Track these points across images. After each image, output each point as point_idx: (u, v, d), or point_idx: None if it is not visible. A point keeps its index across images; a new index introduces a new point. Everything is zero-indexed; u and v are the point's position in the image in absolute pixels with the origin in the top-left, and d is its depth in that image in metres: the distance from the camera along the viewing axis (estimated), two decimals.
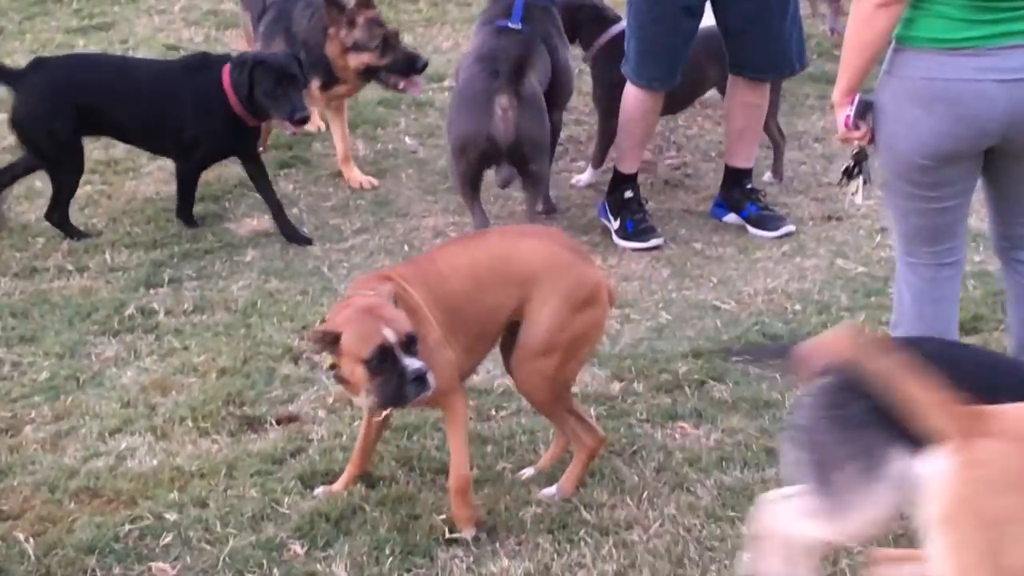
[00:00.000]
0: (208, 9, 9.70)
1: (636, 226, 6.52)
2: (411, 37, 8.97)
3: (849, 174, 4.66)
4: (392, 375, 4.10)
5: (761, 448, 4.84)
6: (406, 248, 6.49)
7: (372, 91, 7.93)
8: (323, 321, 4.17)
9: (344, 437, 4.95)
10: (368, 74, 6.93)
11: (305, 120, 6.53)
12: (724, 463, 4.77)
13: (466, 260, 4.47)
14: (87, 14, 9.56)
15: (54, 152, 6.52)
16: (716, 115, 7.76)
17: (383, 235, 6.61)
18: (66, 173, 6.58)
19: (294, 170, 7.28)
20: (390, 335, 4.08)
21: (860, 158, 4.60)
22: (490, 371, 5.38)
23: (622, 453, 4.84)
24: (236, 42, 9.01)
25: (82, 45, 8.99)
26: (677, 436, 4.96)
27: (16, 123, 6.54)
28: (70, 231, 6.54)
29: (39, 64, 6.65)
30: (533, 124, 6.30)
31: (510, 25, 6.68)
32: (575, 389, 5.18)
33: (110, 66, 6.78)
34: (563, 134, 7.48)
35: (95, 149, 7.47)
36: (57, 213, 6.58)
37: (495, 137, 6.23)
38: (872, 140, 4.49)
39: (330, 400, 5.21)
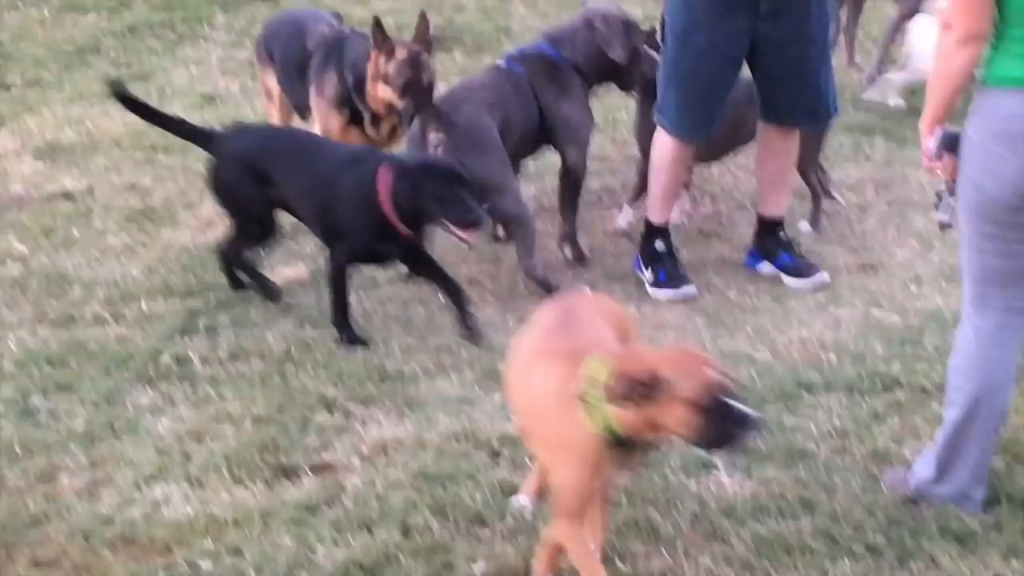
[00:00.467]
0: (244, 59, 9.75)
1: (668, 274, 6.52)
2: (446, 87, 9.00)
3: (937, 206, 4.72)
4: (724, 418, 3.91)
5: (796, 498, 4.83)
6: (438, 298, 6.50)
7: None
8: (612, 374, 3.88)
9: (378, 485, 4.96)
10: (391, 111, 6.80)
11: (477, 224, 5.94)
12: (759, 513, 4.75)
13: None
14: (124, 64, 9.64)
15: (243, 217, 6.40)
16: (751, 164, 7.75)
17: (417, 284, 6.62)
18: (253, 238, 6.47)
19: None
20: (718, 377, 3.94)
21: (948, 190, 4.62)
22: None
23: (656, 503, 4.83)
24: None
25: None
26: (712, 486, 4.95)
27: (212, 186, 6.46)
28: (232, 277, 6.57)
29: (237, 130, 6.59)
30: (473, 157, 6.31)
31: (498, 62, 6.86)
32: None
33: (293, 142, 6.48)
34: (597, 183, 7.50)
35: (131, 199, 7.53)
36: (228, 251, 6.49)
37: None
38: (954, 174, 4.52)
39: (364, 448, 5.22)
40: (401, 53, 6.68)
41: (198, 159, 7.86)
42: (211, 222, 7.18)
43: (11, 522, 4.80)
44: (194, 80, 9.34)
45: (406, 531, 4.68)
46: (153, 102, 8.81)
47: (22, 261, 6.84)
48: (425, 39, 6.79)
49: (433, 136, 6.34)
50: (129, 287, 6.58)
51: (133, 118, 8.47)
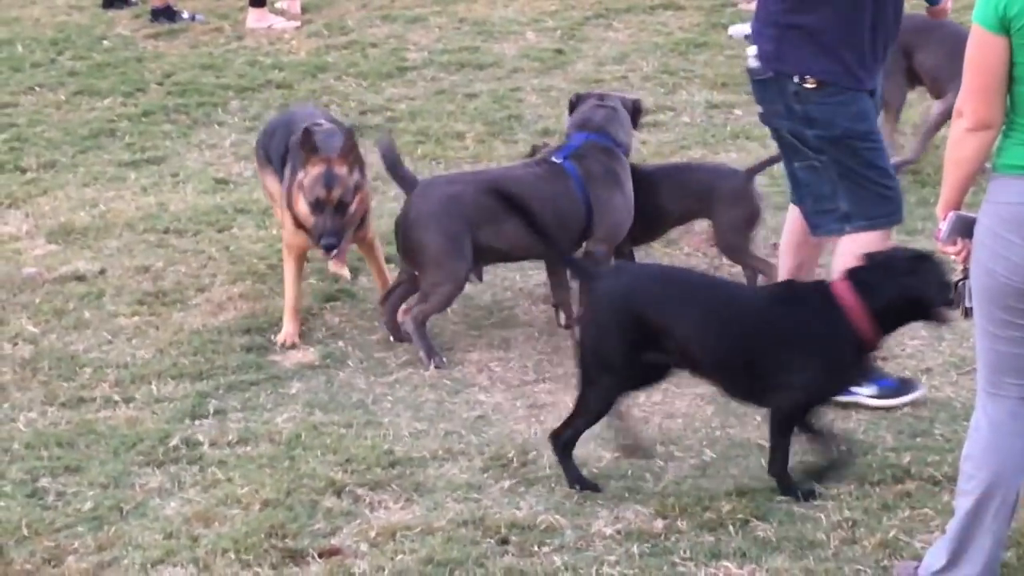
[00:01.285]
0: None
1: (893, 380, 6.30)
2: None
3: (955, 289, 4.73)
4: None
5: None
6: (448, 382, 6.50)
7: None
8: None
9: (386, 571, 4.94)
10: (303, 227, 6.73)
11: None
12: None
13: None
14: (139, 148, 9.69)
15: (605, 380, 5.52)
16: (761, 253, 7.78)
17: (427, 369, 6.61)
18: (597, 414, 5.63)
19: (339, 303, 7.32)
20: None
21: (963, 276, 4.63)
22: (533, 507, 5.38)
23: None
24: None
25: (133, 178, 9.11)
26: (721, 575, 4.93)
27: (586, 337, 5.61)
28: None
29: (615, 270, 6.21)
30: (419, 235, 6.68)
31: (553, 159, 6.84)
32: (619, 526, 5.18)
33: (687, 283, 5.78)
34: None
35: (143, 281, 7.56)
36: (565, 437, 5.61)
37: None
38: (967, 259, 4.54)
39: (372, 533, 5.21)
40: (316, 168, 6.63)
41: (211, 243, 7.93)
42: (222, 305, 7.20)
43: None
44: (208, 164, 9.39)
45: None
46: (166, 186, 8.95)
47: (33, 342, 6.86)
48: (349, 152, 6.71)
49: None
50: (139, 369, 6.59)
51: (146, 201, 8.60)
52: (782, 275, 6.43)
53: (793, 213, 6.42)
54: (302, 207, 6.67)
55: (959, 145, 4.48)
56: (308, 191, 6.60)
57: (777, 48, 5.97)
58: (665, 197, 7.15)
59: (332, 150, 6.71)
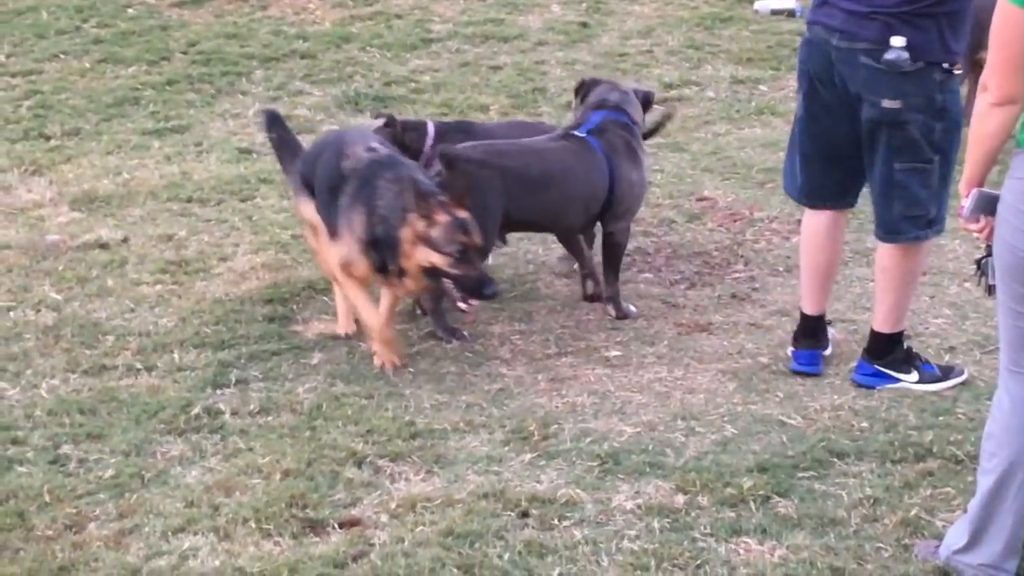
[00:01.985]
0: (283, 114, 9.79)
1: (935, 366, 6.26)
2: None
3: (979, 266, 4.69)
4: None
5: (826, 566, 4.81)
6: (469, 355, 6.50)
7: None
8: None
9: (406, 542, 4.95)
10: (432, 274, 6.19)
11: None
12: None
13: None
14: (163, 116, 9.70)
15: None
16: (784, 229, 7.76)
17: (449, 341, 6.61)
18: None
19: None
20: None
21: (986, 254, 4.61)
22: (553, 480, 5.38)
23: (685, 567, 4.82)
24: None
25: (157, 147, 9.12)
26: (741, 551, 4.93)
27: None
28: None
29: None
30: None
31: (575, 133, 6.84)
32: (639, 501, 5.18)
33: None
34: (632, 245, 7.49)
35: (166, 250, 7.56)
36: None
37: None
38: (989, 236, 4.52)
39: (393, 505, 5.21)
40: (445, 216, 6.11)
41: (234, 212, 7.93)
42: (245, 275, 7.21)
43: (39, 570, 4.81)
44: (231, 134, 9.39)
45: None
46: (190, 155, 8.95)
47: (56, 309, 6.87)
48: (464, 193, 6.24)
49: None
50: (162, 337, 6.59)
51: (169, 169, 8.61)
52: (805, 277, 6.35)
53: (816, 217, 6.27)
54: (433, 258, 6.11)
55: (983, 120, 4.46)
56: (446, 241, 6.09)
57: (927, 37, 5.73)
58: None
59: (425, 185, 6.27)
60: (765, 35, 11.09)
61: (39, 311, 6.85)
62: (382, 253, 6.23)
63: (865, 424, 5.84)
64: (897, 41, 5.71)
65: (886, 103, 5.80)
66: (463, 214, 6.15)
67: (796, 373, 6.26)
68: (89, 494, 5.31)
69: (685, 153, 8.96)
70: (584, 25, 11.33)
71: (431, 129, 7.16)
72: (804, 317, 6.34)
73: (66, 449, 5.64)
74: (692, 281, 7.26)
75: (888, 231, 6.06)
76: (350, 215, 6.33)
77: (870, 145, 5.95)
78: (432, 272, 6.16)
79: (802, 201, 6.30)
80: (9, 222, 7.95)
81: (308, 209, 6.72)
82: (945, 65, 5.77)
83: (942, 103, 5.81)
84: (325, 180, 6.52)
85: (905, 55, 5.72)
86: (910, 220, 5.99)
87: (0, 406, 5.97)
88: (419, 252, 6.12)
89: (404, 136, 7.10)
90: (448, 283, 6.19)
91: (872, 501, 5.24)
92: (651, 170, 8.52)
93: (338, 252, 6.37)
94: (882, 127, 5.87)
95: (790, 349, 6.37)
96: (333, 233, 6.43)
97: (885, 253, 6.12)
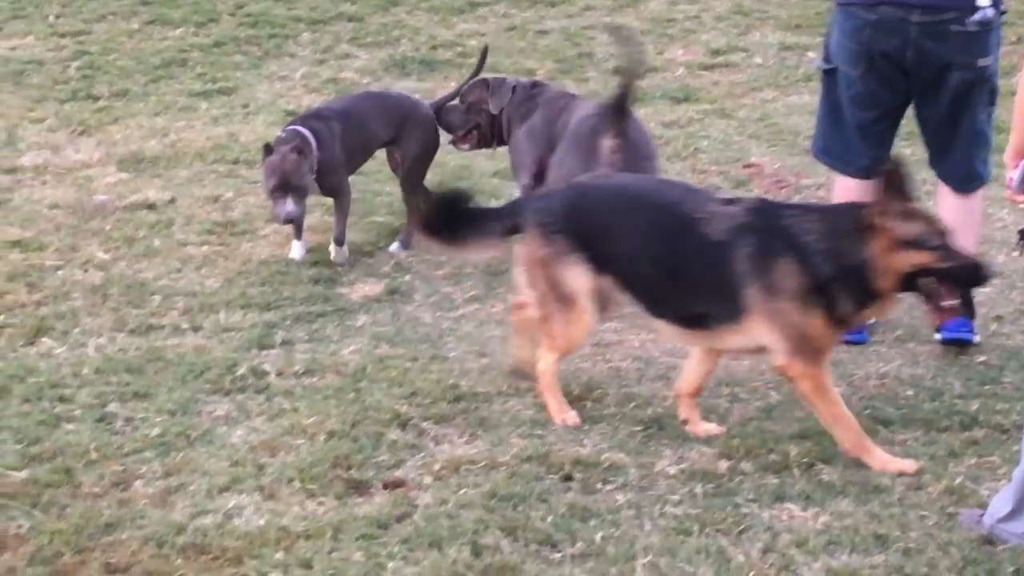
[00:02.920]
0: (328, 77, 9.82)
1: None
2: None
3: (1022, 236, 4.68)
4: None
5: (870, 533, 4.79)
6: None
7: (487, 161, 7.98)
8: None
9: (449, 504, 4.96)
10: (912, 280, 5.21)
11: None
12: (832, 547, 4.72)
13: None
14: (210, 78, 9.72)
15: None
16: (830, 196, 7.71)
17: (493, 305, 6.63)
18: None
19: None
20: None
21: None
22: (597, 444, 5.38)
23: (728, 532, 4.81)
24: None
25: (204, 108, 9.15)
26: (784, 517, 4.92)
27: None
28: None
29: None
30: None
31: None
32: (683, 466, 5.18)
33: None
34: None
35: (213, 211, 7.59)
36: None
37: None
38: None
39: (436, 467, 5.23)
40: (904, 211, 5.20)
41: None
42: (291, 236, 7.21)
43: (85, 527, 4.84)
44: (278, 96, 9.41)
45: (476, 551, 4.69)
46: (236, 117, 8.98)
47: (104, 269, 6.91)
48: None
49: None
50: (208, 298, 6.62)
51: (216, 131, 8.63)
52: None
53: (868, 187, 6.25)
54: (920, 258, 5.18)
55: None
56: (927, 235, 5.18)
57: None
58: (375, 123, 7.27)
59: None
60: (814, 1, 11.01)
61: (87, 270, 6.90)
62: (837, 293, 5.21)
63: (911, 392, 5.82)
64: (983, 0, 5.90)
65: (980, 62, 6.02)
66: (911, 203, 5.24)
67: (843, 342, 6.23)
68: (135, 452, 5.35)
69: (732, 119, 8.93)
70: None
71: None
72: None
73: (113, 407, 5.68)
74: None
75: (969, 180, 6.25)
76: (772, 278, 5.21)
77: (956, 106, 6.10)
78: (915, 276, 5.19)
79: (860, 175, 6.24)
80: (58, 182, 8.00)
81: (579, 277, 5.48)
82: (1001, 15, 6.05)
83: (997, 50, 6.09)
84: (674, 259, 5.42)
85: (991, 10, 5.94)
86: (984, 163, 6.24)
87: (48, 364, 6.02)
88: (899, 259, 5.14)
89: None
90: (930, 284, 5.23)
91: (915, 469, 5.22)
92: (698, 136, 8.53)
93: (792, 340, 5.24)
94: (974, 86, 6.06)
95: None
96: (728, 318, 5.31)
97: (962, 205, 6.24)
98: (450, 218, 5.68)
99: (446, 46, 10.32)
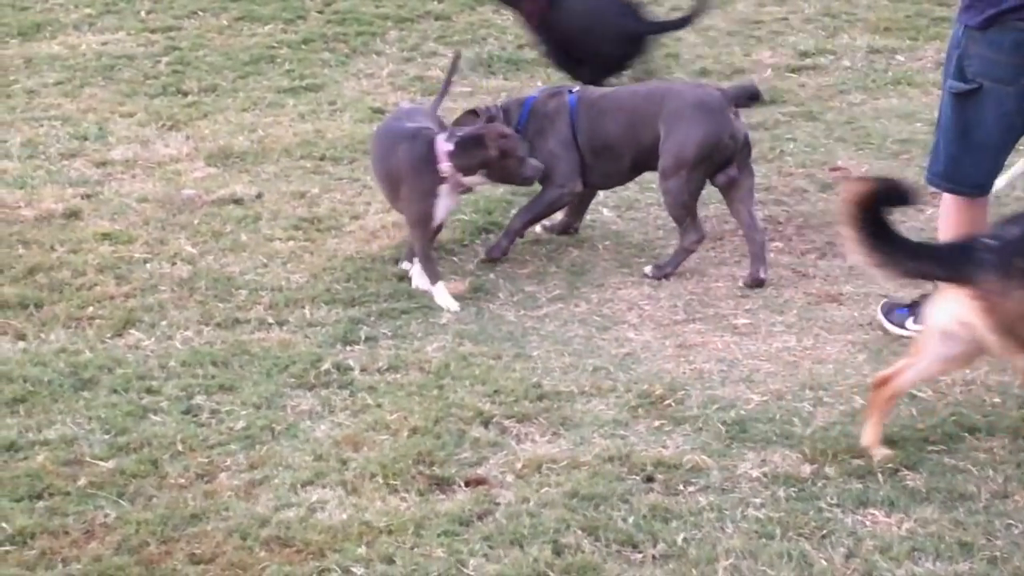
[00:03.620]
0: (415, 75, 9.86)
1: None
2: None
3: None
4: None
5: (954, 540, 4.76)
6: (597, 318, 6.50)
7: None
8: None
9: (531, 502, 4.97)
10: None
11: None
12: (916, 554, 4.69)
13: None
14: (298, 75, 9.78)
15: None
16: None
17: (577, 304, 6.63)
18: None
19: (492, 236, 7.33)
20: None
21: None
22: (679, 446, 5.37)
23: (811, 537, 4.79)
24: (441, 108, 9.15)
25: (291, 105, 9.20)
26: (868, 523, 4.89)
27: None
28: None
29: None
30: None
31: None
32: (766, 469, 5.16)
33: None
34: (762, 213, 7.44)
35: (299, 207, 7.64)
36: None
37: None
38: None
39: (518, 465, 5.24)
40: None
41: (366, 171, 7.98)
42: (376, 233, 7.26)
43: (171, 517, 4.90)
44: (364, 93, 9.46)
45: (557, 550, 4.70)
46: (323, 113, 9.03)
47: (191, 262, 6.97)
48: None
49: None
50: (293, 293, 6.67)
51: (303, 127, 8.70)
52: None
53: (982, 203, 6.24)
54: None
55: None
56: None
57: None
58: None
59: None
60: (904, 4, 10.94)
61: (174, 264, 6.96)
62: None
63: (998, 399, 5.76)
64: None
65: None
66: None
67: None
68: (220, 444, 5.40)
69: (819, 122, 8.87)
70: None
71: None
72: None
73: (199, 400, 5.73)
74: (823, 251, 7.19)
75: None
76: None
77: None
78: None
79: (978, 193, 6.18)
80: (147, 176, 8.08)
81: None
82: None
83: None
84: None
85: None
86: None
87: (136, 356, 6.09)
88: None
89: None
90: None
91: (1003, 477, 5.17)
92: (784, 138, 8.48)
93: None
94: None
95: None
96: None
97: None
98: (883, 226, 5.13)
99: (532, 46, 10.32)
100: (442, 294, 6.57)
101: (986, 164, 6.16)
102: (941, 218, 6.33)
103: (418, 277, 6.72)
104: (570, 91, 7.18)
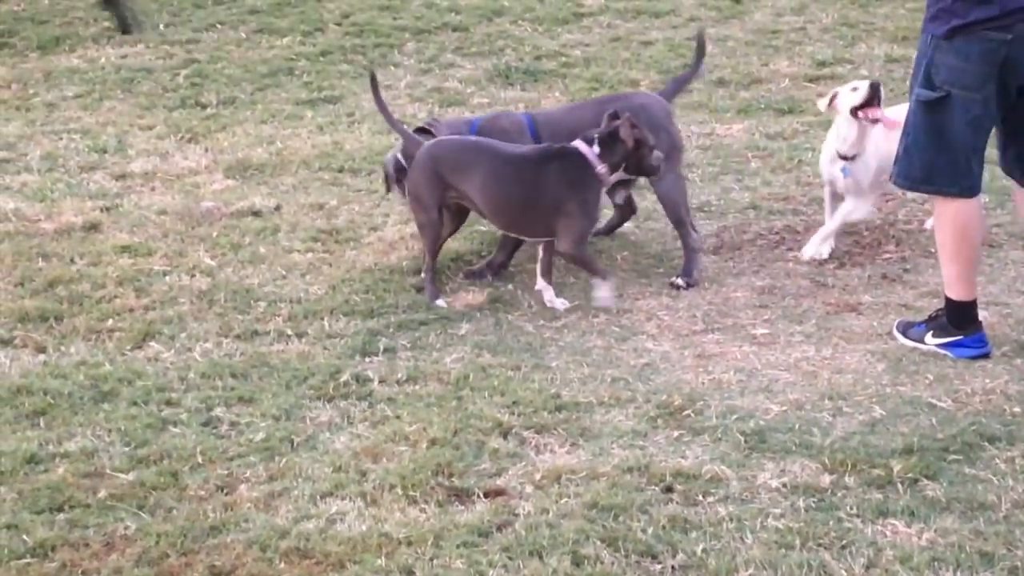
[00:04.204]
0: (432, 86, 9.89)
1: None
2: None
3: None
4: None
5: (975, 551, 4.74)
6: (616, 329, 6.50)
7: None
8: None
9: (550, 513, 4.97)
10: None
11: None
12: (936, 564, 4.68)
13: None
14: (316, 87, 9.82)
15: None
16: None
17: (595, 315, 6.63)
18: None
19: None
20: None
21: None
22: (698, 456, 5.37)
23: (831, 547, 4.78)
24: None
25: (310, 117, 9.24)
26: (888, 533, 4.88)
27: None
28: None
29: None
30: None
31: None
32: (785, 479, 5.15)
33: None
34: (780, 223, 7.44)
35: (318, 218, 7.66)
36: None
37: None
38: None
39: (538, 476, 5.24)
40: None
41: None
42: (394, 244, 7.28)
43: (191, 529, 4.91)
44: None
45: (577, 561, 4.69)
46: (342, 125, 9.05)
47: (210, 275, 6.99)
48: None
49: None
50: (312, 305, 6.68)
51: (321, 139, 8.72)
52: (971, 263, 6.28)
53: (977, 202, 6.30)
54: None
55: None
56: None
57: None
58: None
59: None
60: (921, 13, 10.88)
61: (194, 276, 6.98)
62: None
63: (1018, 409, 5.74)
64: None
65: None
66: None
67: (973, 359, 6.19)
68: (240, 456, 5.41)
69: None
70: (737, 1, 11.27)
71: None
72: (971, 303, 6.27)
73: (218, 412, 5.75)
74: (842, 260, 7.19)
75: None
76: None
77: None
78: None
79: (969, 195, 6.20)
80: (166, 188, 8.11)
81: None
82: None
83: None
84: None
85: None
86: None
87: (155, 368, 6.10)
88: None
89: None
90: None
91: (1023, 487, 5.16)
92: (802, 148, 8.48)
93: None
94: None
95: (952, 338, 6.26)
96: None
97: None
98: None
99: (550, 56, 10.35)
100: (604, 291, 6.72)
101: (962, 164, 6.17)
102: (936, 221, 6.33)
103: (552, 298, 6.76)
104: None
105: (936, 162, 6.18)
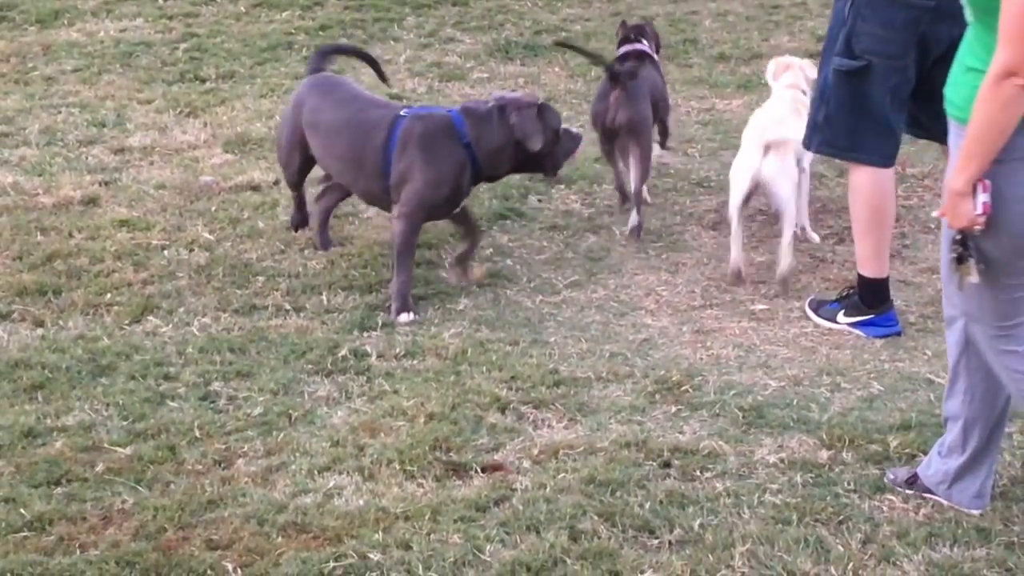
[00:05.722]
0: (432, 61, 9.87)
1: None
2: None
3: (961, 259, 4.42)
4: None
5: (972, 526, 4.74)
6: (615, 304, 6.50)
7: (589, 147, 7.98)
8: None
9: (548, 488, 4.97)
10: None
11: None
12: (933, 539, 4.68)
13: None
14: None
15: None
16: (936, 186, 7.65)
17: (594, 290, 6.63)
18: None
19: (509, 222, 7.35)
20: None
21: (967, 241, 4.38)
22: (696, 432, 5.37)
23: (828, 522, 4.78)
24: (457, 94, 9.15)
25: None
26: (885, 508, 4.88)
27: None
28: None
29: None
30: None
31: None
32: (783, 455, 5.16)
33: None
34: None
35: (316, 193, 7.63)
36: None
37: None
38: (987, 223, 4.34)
39: (535, 451, 5.24)
40: None
41: None
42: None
43: (188, 504, 4.90)
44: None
45: (574, 535, 4.69)
46: None
47: (208, 249, 6.98)
48: None
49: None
50: (310, 279, 6.67)
51: None
52: (885, 238, 6.35)
53: (890, 173, 6.31)
54: None
55: (1008, 108, 4.17)
56: None
57: None
58: None
59: None
60: None
61: (192, 251, 6.97)
62: None
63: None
64: None
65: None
66: None
67: (883, 338, 6.20)
68: (238, 431, 5.41)
69: None
70: None
71: None
72: (883, 281, 6.30)
73: (216, 386, 5.74)
74: (841, 236, 7.19)
75: None
76: None
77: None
78: None
79: (885, 164, 6.20)
80: (164, 163, 8.09)
81: None
82: None
83: None
84: None
85: None
86: None
87: (154, 342, 6.10)
88: None
89: None
90: None
91: (1021, 463, 5.16)
92: None
93: None
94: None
95: (864, 317, 6.27)
96: None
97: None
98: None
99: (550, 31, 10.33)
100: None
101: (884, 131, 6.16)
102: (852, 195, 6.31)
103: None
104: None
105: (858, 129, 6.16)
